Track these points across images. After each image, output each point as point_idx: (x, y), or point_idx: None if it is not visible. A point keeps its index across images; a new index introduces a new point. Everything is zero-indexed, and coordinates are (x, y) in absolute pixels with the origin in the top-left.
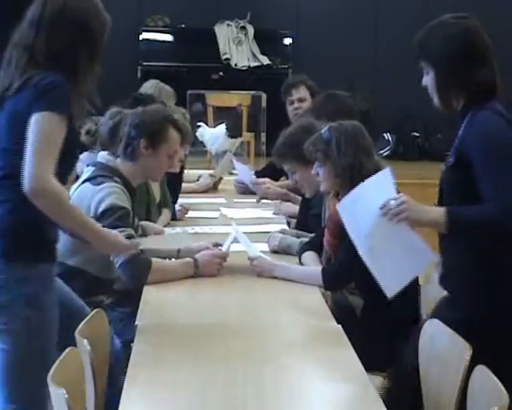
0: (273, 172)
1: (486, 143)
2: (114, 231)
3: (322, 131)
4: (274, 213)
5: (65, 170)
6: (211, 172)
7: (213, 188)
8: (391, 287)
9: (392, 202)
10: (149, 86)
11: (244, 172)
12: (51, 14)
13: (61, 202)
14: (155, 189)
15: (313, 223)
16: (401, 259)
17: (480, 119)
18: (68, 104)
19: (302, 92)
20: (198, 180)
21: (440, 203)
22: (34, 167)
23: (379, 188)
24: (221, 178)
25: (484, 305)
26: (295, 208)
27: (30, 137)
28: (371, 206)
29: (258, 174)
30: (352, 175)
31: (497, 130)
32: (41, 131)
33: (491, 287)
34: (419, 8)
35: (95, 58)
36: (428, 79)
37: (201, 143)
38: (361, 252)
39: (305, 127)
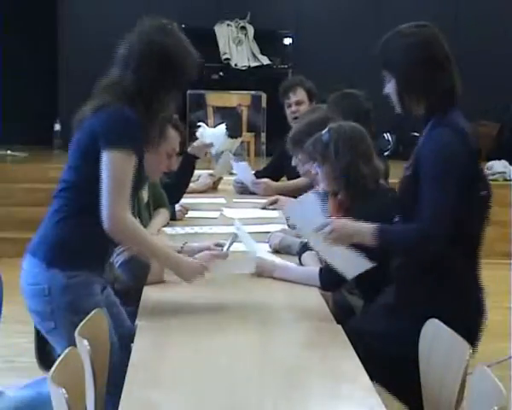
0: (273, 173)
1: (436, 165)
2: (191, 259)
3: (323, 132)
4: (274, 208)
5: (132, 195)
6: (210, 171)
7: (213, 188)
8: (346, 272)
9: (326, 229)
10: None
11: (243, 171)
12: (137, 52)
13: (138, 238)
14: (143, 191)
15: None
16: (342, 261)
17: (438, 137)
18: (138, 139)
19: (299, 95)
20: (197, 180)
21: (400, 210)
22: (110, 209)
23: (311, 209)
24: (221, 178)
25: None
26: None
27: (103, 178)
28: (309, 221)
29: (258, 174)
30: (348, 178)
31: (451, 153)
32: (112, 172)
33: (432, 292)
34: (419, 7)
35: (172, 96)
36: (390, 87)
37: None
38: (311, 246)
39: (323, 119)
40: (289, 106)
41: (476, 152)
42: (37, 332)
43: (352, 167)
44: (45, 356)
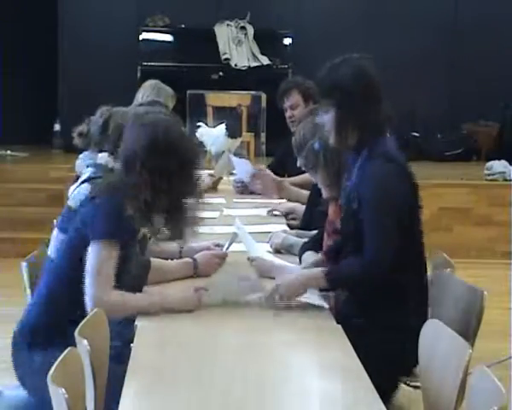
0: (275, 172)
1: (375, 196)
2: (179, 293)
3: (313, 141)
4: (268, 212)
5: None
6: (210, 172)
7: (213, 188)
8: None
9: (277, 296)
10: (147, 86)
11: (243, 168)
12: (140, 151)
13: (122, 309)
14: None
15: (319, 219)
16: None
17: (372, 168)
18: (123, 232)
19: (293, 99)
20: None
21: (345, 243)
22: (90, 292)
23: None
24: (220, 178)
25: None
26: (291, 204)
27: (87, 265)
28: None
29: None
30: (340, 183)
31: (391, 186)
32: (93, 262)
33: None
34: (419, 7)
35: (173, 192)
36: (328, 118)
37: (201, 143)
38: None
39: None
40: (286, 110)
41: (414, 180)
42: None
43: (341, 172)
44: None
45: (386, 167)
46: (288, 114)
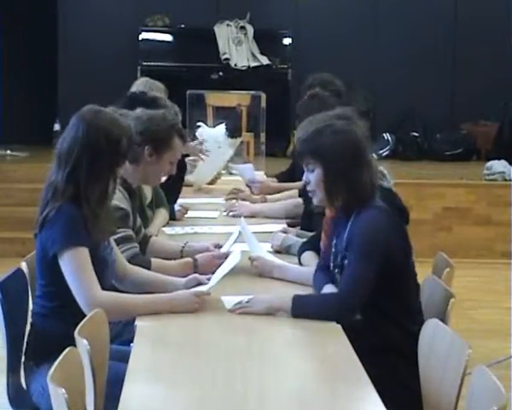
0: (290, 176)
1: (362, 240)
2: (181, 291)
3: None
4: (226, 212)
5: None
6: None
7: (210, 184)
8: None
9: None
10: (139, 83)
11: (247, 172)
12: (66, 148)
13: (118, 307)
14: (147, 189)
15: (318, 221)
16: None
17: (365, 216)
18: (79, 231)
19: None
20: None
21: None
22: (81, 295)
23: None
24: (220, 174)
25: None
26: (251, 208)
27: (66, 275)
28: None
29: (278, 178)
30: None
31: (378, 231)
32: (69, 268)
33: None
34: (418, 7)
35: (102, 179)
36: (314, 176)
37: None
38: None
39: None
40: None
41: (404, 228)
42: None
43: None
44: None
45: (379, 217)
46: None
